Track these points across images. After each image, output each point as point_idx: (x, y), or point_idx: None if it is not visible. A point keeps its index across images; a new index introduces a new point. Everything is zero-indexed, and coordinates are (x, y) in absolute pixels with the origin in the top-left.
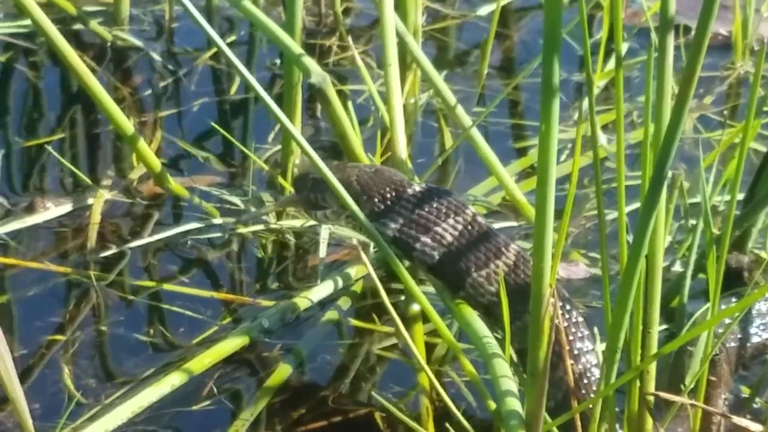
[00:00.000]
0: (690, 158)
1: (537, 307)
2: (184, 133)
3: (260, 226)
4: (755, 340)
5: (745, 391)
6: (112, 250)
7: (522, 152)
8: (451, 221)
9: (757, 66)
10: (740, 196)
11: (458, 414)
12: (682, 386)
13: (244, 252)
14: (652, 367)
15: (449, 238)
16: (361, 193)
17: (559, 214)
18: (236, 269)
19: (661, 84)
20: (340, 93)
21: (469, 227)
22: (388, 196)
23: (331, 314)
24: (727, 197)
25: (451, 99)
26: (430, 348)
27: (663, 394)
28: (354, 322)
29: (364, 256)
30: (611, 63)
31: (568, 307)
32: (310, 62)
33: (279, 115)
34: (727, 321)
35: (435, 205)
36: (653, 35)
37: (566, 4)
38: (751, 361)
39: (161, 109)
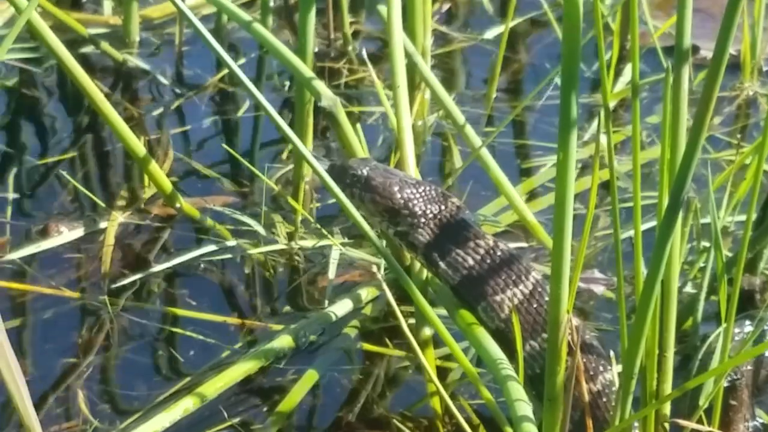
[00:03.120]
0: (699, 179)
1: (554, 332)
2: (195, 155)
3: (272, 248)
4: None
5: (765, 418)
6: (128, 279)
7: (529, 172)
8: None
9: None
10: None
11: None
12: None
13: (256, 274)
14: (669, 394)
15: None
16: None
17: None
18: (248, 292)
19: (676, 109)
20: (349, 114)
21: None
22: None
23: (342, 338)
24: (738, 218)
25: (461, 118)
26: (442, 372)
27: (680, 421)
28: (365, 346)
29: (380, 276)
30: (620, 84)
31: (582, 326)
32: (320, 86)
33: (291, 137)
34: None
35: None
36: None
37: None
38: (766, 383)
39: (171, 129)
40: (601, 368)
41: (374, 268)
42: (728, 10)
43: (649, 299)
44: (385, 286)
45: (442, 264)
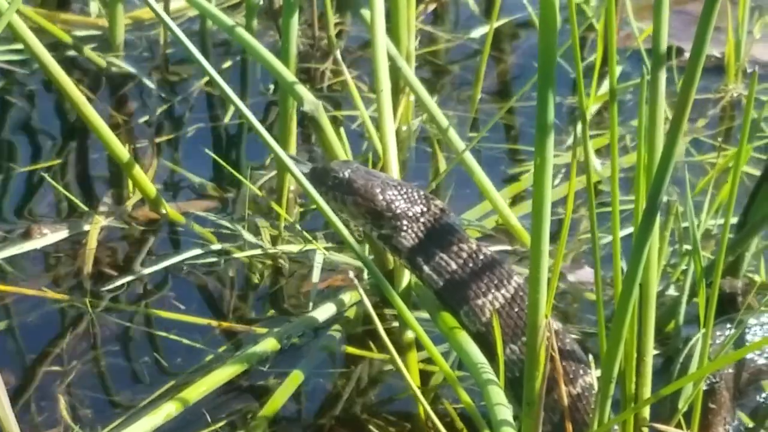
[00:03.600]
0: (682, 182)
1: (533, 336)
2: (179, 160)
3: (256, 251)
4: (751, 365)
5: (746, 420)
6: (112, 283)
7: (516, 177)
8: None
9: (750, 90)
10: (734, 221)
11: None
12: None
13: (240, 277)
14: (648, 398)
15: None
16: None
17: (553, 237)
18: (232, 296)
19: (653, 112)
20: (334, 118)
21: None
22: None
23: (325, 341)
24: (721, 221)
25: (444, 122)
26: (426, 375)
27: (659, 426)
28: (348, 349)
29: (357, 284)
30: (604, 86)
31: (561, 334)
32: (303, 90)
33: (272, 144)
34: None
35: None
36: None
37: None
38: (747, 387)
39: (156, 135)
40: (581, 371)
41: (351, 274)
42: (704, 12)
43: (627, 302)
44: (362, 293)
45: (426, 268)
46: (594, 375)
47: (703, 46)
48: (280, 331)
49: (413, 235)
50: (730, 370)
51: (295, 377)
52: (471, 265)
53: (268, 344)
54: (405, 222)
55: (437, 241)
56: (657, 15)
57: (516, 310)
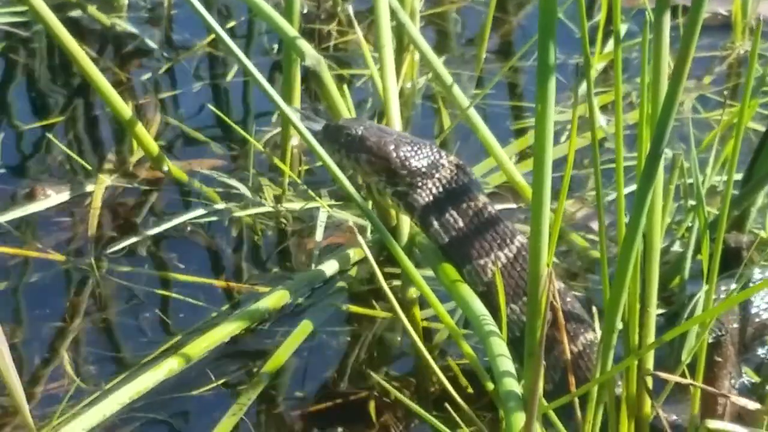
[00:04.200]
0: (688, 138)
1: (534, 287)
2: (183, 118)
3: (259, 210)
4: (756, 320)
5: (751, 375)
6: (117, 245)
7: (521, 133)
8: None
9: (754, 45)
10: (739, 176)
11: (457, 397)
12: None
13: (243, 236)
14: (651, 344)
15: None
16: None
17: (557, 196)
18: (235, 255)
19: (657, 64)
20: (339, 77)
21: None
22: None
23: (329, 299)
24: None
25: (448, 79)
26: (430, 332)
27: (662, 374)
28: (352, 308)
29: (361, 239)
30: (610, 45)
31: (562, 289)
32: (305, 45)
33: (275, 98)
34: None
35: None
36: (648, 15)
37: None
38: (752, 341)
39: (159, 93)
40: (582, 330)
41: (354, 229)
42: None
43: (630, 251)
44: (365, 247)
45: (435, 224)
46: (596, 332)
47: None
48: (283, 289)
49: (428, 192)
50: (735, 325)
51: (299, 333)
52: (477, 223)
53: (271, 301)
54: (420, 179)
55: (450, 198)
56: None
57: (518, 269)
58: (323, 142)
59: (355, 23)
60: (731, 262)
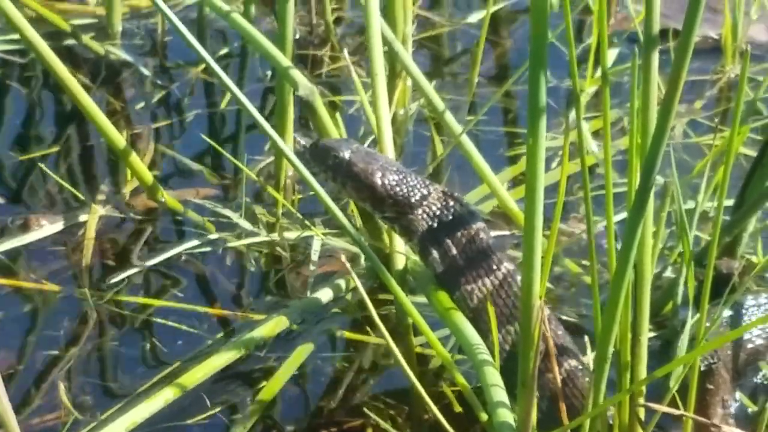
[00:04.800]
0: (680, 163)
1: (527, 317)
2: (177, 147)
3: (254, 239)
4: (749, 346)
5: (747, 403)
6: (113, 278)
7: (514, 160)
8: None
9: (742, 71)
10: (731, 202)
11: (448, 427)
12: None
13: (238, 265)
14: (643, 379)
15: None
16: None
17: (549, 223)
18: (231, 283)
19: (646, 92)
20: (332, 104)
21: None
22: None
23: (324, 326)
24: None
25: (440, 105)
26: (426, 357)
27: (653, 406)
28: (347, 334)
29: (351, 270)
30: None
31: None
32: (297, 75)
33: (267, 129)
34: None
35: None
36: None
37: (555, 9)
38: (745, 368)
39: (154, 122)
40: (566, 356)
41: (345, 262)
42: None
43: (621, 281)
44: (356, 279)
45: (435, 254)
46: (580, 358)
47: (693, 23)
48: (279, 316)
49: (420, 221)
50: (729, 352)
51: (294, 360)
52: (468, 251)
53: (266, 329)
54: (406, 208)
55: (444, 227)
56: None
57: (503, 296)
58: (309, 162)
59: (346, 53)
60: (723, 288)
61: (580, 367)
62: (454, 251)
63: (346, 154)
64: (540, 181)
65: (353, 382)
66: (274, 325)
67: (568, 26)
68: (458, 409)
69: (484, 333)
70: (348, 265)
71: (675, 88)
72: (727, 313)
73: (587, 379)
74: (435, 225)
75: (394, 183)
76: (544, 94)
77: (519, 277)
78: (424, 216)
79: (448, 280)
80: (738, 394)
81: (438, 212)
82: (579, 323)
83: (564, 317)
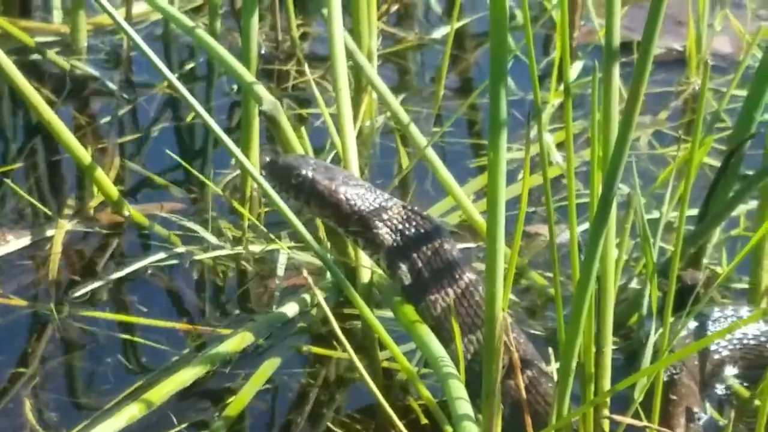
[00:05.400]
0: (646, 174)
1: (490, 329)
2: (145, 161)
3: (219, 253)
4: (715, 357)
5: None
6: (79, 291)
7: (481, 171)
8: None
9: (702, 85)
10: (695, 212)
11: None
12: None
13: (204, 279)
14: (607, 391)
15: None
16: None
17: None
18: (197, 297)
19: (607, 104)
20: (299, 117)
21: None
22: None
23: (290, 341)
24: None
25: (405, 118)
26: (393, 371)
27: (617, 417)
28: (313, 349)
29: (313, 286)
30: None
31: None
32: (261, 90)
33: (230, 147)
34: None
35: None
36: (597, 60)
37: (520, 23)
38: (711, 378)
39: (120, 136)
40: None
41: (305, 273)
42: (653, 4)
43: (584, 293)
44: (320, 296)
45: (403, 267)
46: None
47: (652, 37)
48: (245, 331)
49: (384, 235)
50: (695, 363)
51: (260, 375)
52: (433, 263)
53: (232, 344)
54: (370, 222)
55: (410, 240)
56: (609, 8)
57: (465, 306)
58: (269, 179)
59: (306, 67)
60: (688, 299)
61: (543, 371)
62: (420, 264)
63: (309, 173)
64: (501, 193)
65: (320, 397)
66: (240, 340)
67: (529, 40)
68: (425, 422)
69: (446, 342)
70: (310, 280)
71: (635, 100)
72: (693, 324)
73: (550, 385)
74: (401, 239)
75: (358, 198)
76: (505, 107)
77: (481, 287)
78: (389, 230)
79: (414, 293)
80: (707, 406)
81: (401, 226)
82: (546, 336)
83: (530, 330)
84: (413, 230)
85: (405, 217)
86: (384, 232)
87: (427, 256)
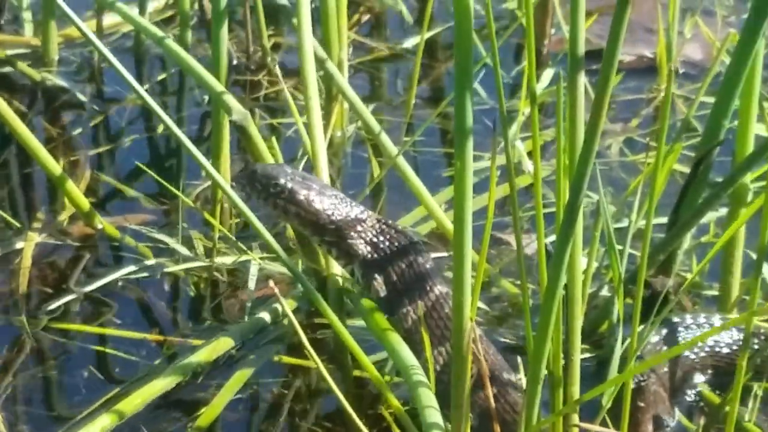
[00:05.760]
0: (616, 181)
1: (458, 339)
2: (116, 172)
3: (191, 264)
4: (686, 362)
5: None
6: (50, 305)
7: (453, 180)
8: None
9: (666, 94)
10: (665, 219)
11: None
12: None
13: (176, 290)
14: (575, 401)
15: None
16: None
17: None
18: (168, 308)
19: (573, 112)
20: (270, 127)
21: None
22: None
23: (262, 351)
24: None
25: (376, 127)
26: (365, 379)
27: (587, 425)
28: (285, 359)
29: (281, 297)
30: (538, 87)
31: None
32: (231, 100)
33: (200, 159)
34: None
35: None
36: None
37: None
38: (682, 384)
39: (91, 148)
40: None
41: (272, 284)
42: (617, 13)
43: (552, 301)
44: (287, 307)
45: (379, 279)
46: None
47: (616, 44)
48: (217, 340)
49: (359, 246)
50: (665, 369)
51: (233, 386)
52: (406, 274)
53: (204, 354)
54: (345, 232)
55: (384, 252)
56: (573, 17)
57: (435, 318)
58: (246, 188)
59: (279, 75)
60: (659, 305)
61: (512, 381)
62: (395, 276)
63: (288, 183)
64: (468, 201)
65: (292, 407)
66: (212, 350)
67: (494, 48)
68: (396, 431)
69: (418, 353)
70: (277, 291)
71: (600, 107)
72: (664, 331)
73: (519, 394)
74: (375, 251)
75: (334, 208)
76: (471, 117)
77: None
78: (363, 241)
79: (388, 304)
80: (677, 413)
81: (375, 238)
82: (516, 344)
83: (501, 338)
84: (388, 242)
85: (380, 229)
86: (359, 243)
87: (401, 268)
